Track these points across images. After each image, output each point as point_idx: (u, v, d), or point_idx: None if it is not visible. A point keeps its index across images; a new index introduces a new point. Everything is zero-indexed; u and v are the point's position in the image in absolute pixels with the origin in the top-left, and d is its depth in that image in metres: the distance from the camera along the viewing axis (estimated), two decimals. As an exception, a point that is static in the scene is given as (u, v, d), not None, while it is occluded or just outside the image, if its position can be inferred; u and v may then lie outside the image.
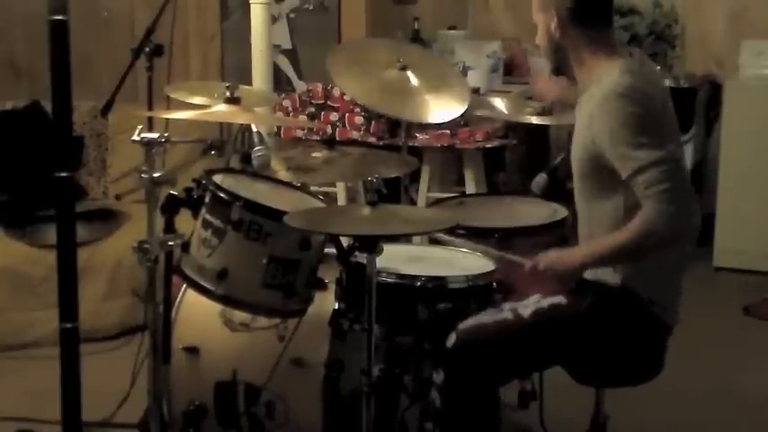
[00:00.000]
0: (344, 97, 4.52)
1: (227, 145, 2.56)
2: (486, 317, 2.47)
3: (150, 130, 2.48)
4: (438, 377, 2.44)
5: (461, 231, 2.80)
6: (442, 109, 3.14)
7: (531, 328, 2.43)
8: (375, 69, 3.14)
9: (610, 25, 2.51)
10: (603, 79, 2.39)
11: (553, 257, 2.44)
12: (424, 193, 4.54)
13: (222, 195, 2.58)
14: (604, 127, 2.33)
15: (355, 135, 4.51)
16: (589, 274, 2.48)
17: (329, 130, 4.51)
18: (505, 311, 2.46)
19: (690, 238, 2.43)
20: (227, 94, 2.58)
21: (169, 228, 2.50)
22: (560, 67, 2.56)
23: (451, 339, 2.43)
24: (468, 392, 2.41)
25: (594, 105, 2.37)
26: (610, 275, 2.44)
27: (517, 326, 2.43)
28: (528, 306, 2.45)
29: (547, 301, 2.45)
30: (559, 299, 2.45)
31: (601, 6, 2.49)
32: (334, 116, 4.55)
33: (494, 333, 2.42)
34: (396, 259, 2.67)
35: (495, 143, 4.50)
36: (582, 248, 2.50)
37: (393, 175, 2.87)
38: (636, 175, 2.30)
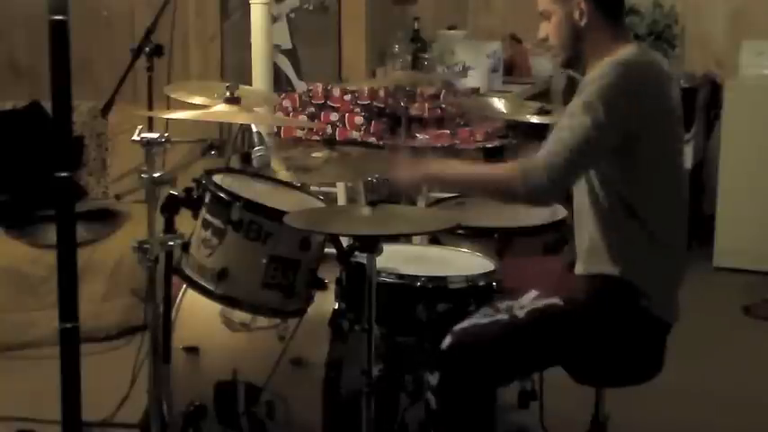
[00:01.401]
0: (344, 97, 4.52)
1: (227, 145, 2.56)
2: (481, 318, 2.45)
3: (150, 130, 2.48)
4: (433, 379, 2.43)
5: (461, 231, 2.80)
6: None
7: (527, 329, 2.42)
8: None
9: (624, 16, 2.56)
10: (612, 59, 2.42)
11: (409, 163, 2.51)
12: (424, 193, 4.54)
13: (222, 195, 2.58)
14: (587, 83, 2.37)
15: (355, 135, 4.50)
16: (586, 270, 2.49)
17: (329, 130, 4.51)
18: (501, 312, 2.45)
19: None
20: (227, 94, 2.58)
21: (169, 228, 2.50)
22: (573, 59, 2.56)
23: (447, 341, 2.42)
24: (463, 394, 2.40)
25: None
26: (608, 268, 2.45)
27: (513, 327, 2.42)
28: (524, 306, 2.45)
29: (542, 301, 2.45)
30: (555, 299, 2.45)
31: None
32: (334, 116, 4.55)
33: (489, 334, 2.41)
34: (396, 259, 2.67)
35: (495, 143, 4.49)
36: (450, 163, 2.61)
37: (393, 175, 2.87)
38: (554, 130, 2.35)
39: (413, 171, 2.53)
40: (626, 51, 2.43)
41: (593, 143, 2.33)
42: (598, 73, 2.38)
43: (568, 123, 2.34)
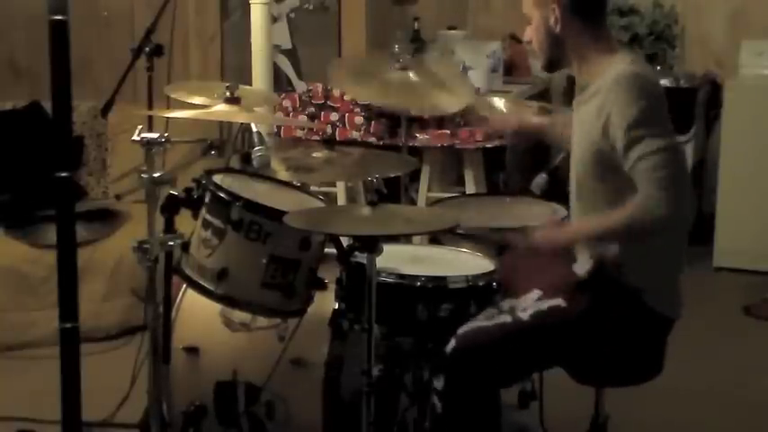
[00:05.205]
0: (344, 97, 4.52)
1: (227, 145, 2.56)
2: (484, 321, 2.46)
3: (150, 130, 2.48)
4: (438, 383, 2.44)
5: (461, 231, 2.80)
6: (448, 101, 3.15)
7: (531, 331, 2.43)
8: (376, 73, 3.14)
9: (605, 19, 2.54)
10: (611, 71, 2.40)
11: (547, 231, 2.47)
12: (424, 193, 4.54)
13: (222, 195, 2.58)
14: (615, 113, 2.34)
15: (355, 135, 4.51)
16: (587, 269, 2.48)
17: (329, 130, 4.52)
18: (504, 315, 2.45)
19: (682, 229, 2.46)
20: (227, 94, 2.58)
21: (169, 228, 2.50)
22: (555, 62, 2.56)
23: (451, 344, 2.42)
24: (468, 397, 2.41)
25: (604, 95, 2.38)
26: (610, 267, 2.44)
27: (516, 329, 2.42)
28: (527, 309, 2.45)
29: (546, 304, 2.45)
30: (558, 301, 2.45)
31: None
32: (334, 116, 4.55)
33: (493, 337, 2.41)
34: (396, 259, 2.67)
35: (496, 143, 4.49)
36: (577, 224, 2.53)
37: (393, 175, 2.87)
38: (637, 163, 2.31)
39: (560, 237, 2.49)
40: (623, 64, 2.41)
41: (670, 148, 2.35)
42: (623, 100, 2.34)
43: (642, 153, 2.31)
